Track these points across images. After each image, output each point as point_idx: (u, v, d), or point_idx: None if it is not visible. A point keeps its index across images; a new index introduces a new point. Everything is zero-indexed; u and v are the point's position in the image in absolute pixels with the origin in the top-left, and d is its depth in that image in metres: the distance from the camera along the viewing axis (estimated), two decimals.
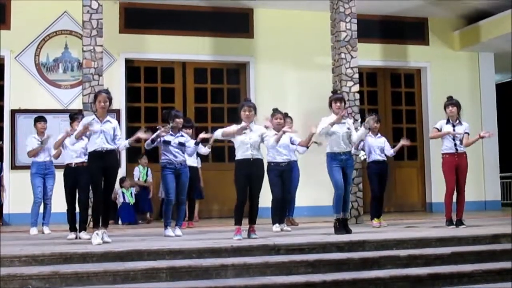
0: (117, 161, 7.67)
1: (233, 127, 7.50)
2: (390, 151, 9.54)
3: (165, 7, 12.57)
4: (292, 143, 8.71)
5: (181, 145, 8.31)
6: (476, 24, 13.66)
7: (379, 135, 9.56)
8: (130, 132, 10.75)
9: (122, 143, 7.45)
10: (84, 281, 5.51)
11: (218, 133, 7.66)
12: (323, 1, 11.11)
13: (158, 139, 8.09)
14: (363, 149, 9.57)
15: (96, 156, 7.20)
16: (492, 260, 6.51)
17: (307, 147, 8.69)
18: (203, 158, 10.97)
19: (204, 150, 9.03)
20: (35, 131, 9.17)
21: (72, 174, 8.28)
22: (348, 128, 7.99)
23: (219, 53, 12.84)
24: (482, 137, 8.79)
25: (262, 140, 7.54)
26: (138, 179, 11.78)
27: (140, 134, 7.50)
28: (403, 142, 9.59)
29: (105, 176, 7.20)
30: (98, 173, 7.17)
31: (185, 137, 8.44)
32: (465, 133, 8.74)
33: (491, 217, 10.86)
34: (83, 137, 7.46)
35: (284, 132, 7.66)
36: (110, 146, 7.26)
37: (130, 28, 12.45)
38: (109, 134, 7.27)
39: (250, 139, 7.42)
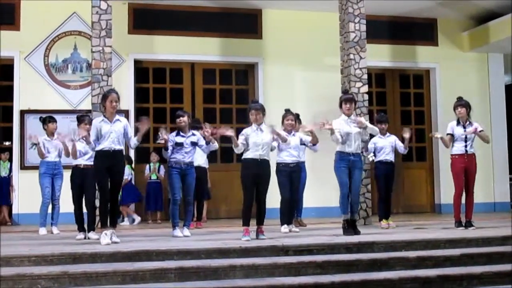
0: (123, 161, 7.69)
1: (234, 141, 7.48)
2: (403, 149, 9.43)
3: (174, 8, 12.59)
4: (303, 143, 8.70)
5: (194, 144, 8.32)
6: (485, 25, 13.61)
7: (388, 134, 9.51)
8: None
9: (131, 142, 7.46)
10: (93, 281, 5.52)
11: (236, 150, 7.62)
12: (332, 1, 11.09)
13: (169, 143, 8.11)
14: (374, 152, 9.50)
15: (102, 155, 7.20)
16: (501, 262, 6.48)
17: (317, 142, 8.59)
18: (211, 158, 10.94)
19: (213, 146, 9.00)
20: (45, 133, 9.14)
21: (80, 175, 8.29)
22: (360, 127, 7.98)
23: (228, 54, 12.85)
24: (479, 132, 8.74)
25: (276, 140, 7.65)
26: (150, 177, 11.77)
27: (143, 126, 7.40)
28: (406, 135, 9.32)
29: (111, 175, 7.20)
30: (104, 173, 7.17)
31: (197, 135, 8.42)
32: (480, 131, 8.72)
33: (501, 218, 10.79)
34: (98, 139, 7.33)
35: (274, 133, 7.59)
36: (118, 147, 7.26)
37: (139, 28, 12.48)
38: (120, 133, 7.27)
39: (263, 140, 7.47)
